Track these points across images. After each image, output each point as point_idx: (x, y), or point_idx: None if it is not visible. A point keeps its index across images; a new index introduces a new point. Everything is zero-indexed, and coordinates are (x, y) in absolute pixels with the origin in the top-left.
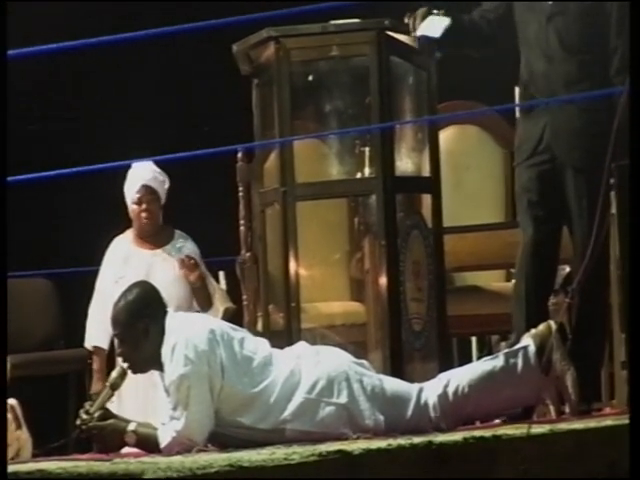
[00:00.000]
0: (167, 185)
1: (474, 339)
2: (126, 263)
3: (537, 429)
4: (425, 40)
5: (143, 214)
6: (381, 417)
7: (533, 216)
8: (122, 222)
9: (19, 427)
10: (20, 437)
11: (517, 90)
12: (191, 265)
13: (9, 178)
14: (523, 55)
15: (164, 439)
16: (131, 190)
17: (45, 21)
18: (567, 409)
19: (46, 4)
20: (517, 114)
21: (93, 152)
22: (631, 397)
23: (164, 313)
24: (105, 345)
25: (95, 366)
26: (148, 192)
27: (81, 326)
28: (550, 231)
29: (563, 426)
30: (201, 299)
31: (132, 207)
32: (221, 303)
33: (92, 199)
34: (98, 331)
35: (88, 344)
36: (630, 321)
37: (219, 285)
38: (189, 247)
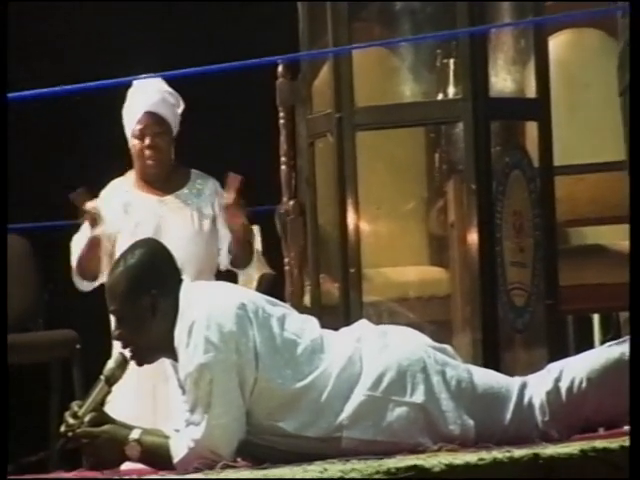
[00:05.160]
0: (181, 109)
1: (596, 317)
2: (126, 215)
3: None
4: None
5: (147, 151)
6: (470, 422)
7: None
8: (122, 161)
9: None
10: None
11: None
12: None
13: None
14: None
15: (178, 451)
16: (131, 118)
17: None
18: None
19: None
20: None
21: (82, 65)
22: (631, 396)
23: (178, 282)
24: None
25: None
26: (154, 122)
27: (66, 300)
28: None
29: None
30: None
31: (133, 142)
32: (255, 269)
33: (81, 129)
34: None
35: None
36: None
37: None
38: (212, 189)
